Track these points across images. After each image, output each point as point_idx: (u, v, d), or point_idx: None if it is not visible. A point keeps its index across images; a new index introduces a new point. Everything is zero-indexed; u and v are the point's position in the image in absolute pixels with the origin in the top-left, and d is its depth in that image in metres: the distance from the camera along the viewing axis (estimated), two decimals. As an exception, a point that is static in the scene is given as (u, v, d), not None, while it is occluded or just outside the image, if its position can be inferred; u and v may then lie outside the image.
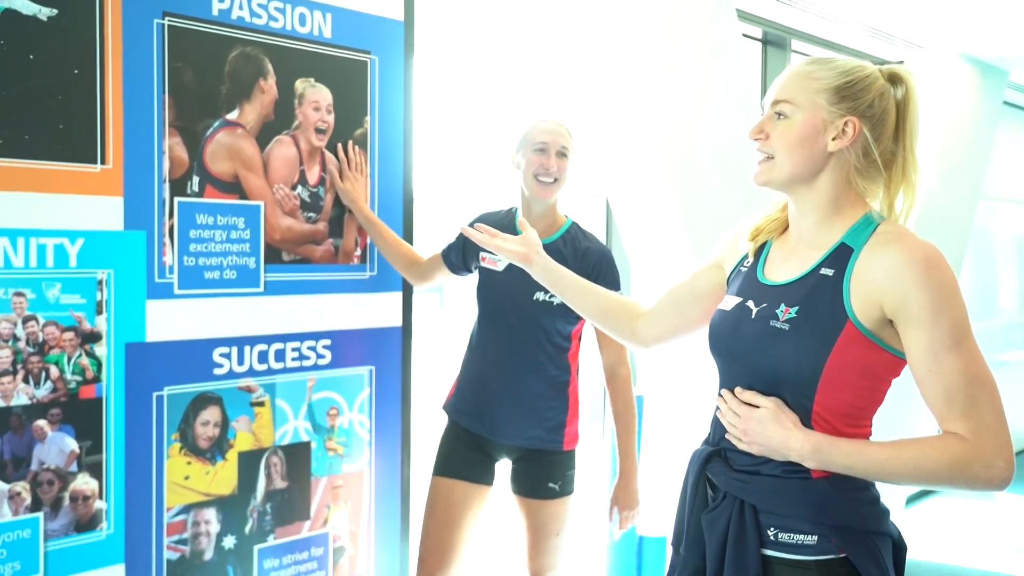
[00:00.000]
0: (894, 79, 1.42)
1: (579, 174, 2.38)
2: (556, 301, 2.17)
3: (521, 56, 3.82)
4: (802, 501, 1.37)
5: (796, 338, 1.36)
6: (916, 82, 1.42)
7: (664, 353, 3.29)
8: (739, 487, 1.42)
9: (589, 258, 2.25)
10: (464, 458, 2.32)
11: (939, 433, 1.33)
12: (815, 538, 1.36)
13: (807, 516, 1.37)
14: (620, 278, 2.29)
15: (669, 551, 1.59)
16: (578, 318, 2.24)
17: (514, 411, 2.25)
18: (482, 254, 2.30)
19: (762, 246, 1.53)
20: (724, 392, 1.47)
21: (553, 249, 2.21)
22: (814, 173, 1.41)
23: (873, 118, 1.39)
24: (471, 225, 2.17)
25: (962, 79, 4.57)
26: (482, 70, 3.85)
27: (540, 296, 2.20)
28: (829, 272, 1.38)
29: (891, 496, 4.23)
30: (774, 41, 4.27)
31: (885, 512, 1.41)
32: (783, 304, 1.39)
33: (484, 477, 2.33)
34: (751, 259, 1.53)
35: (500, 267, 2.26)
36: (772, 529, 1.39)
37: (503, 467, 2.37)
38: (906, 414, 4.12)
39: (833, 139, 1.39)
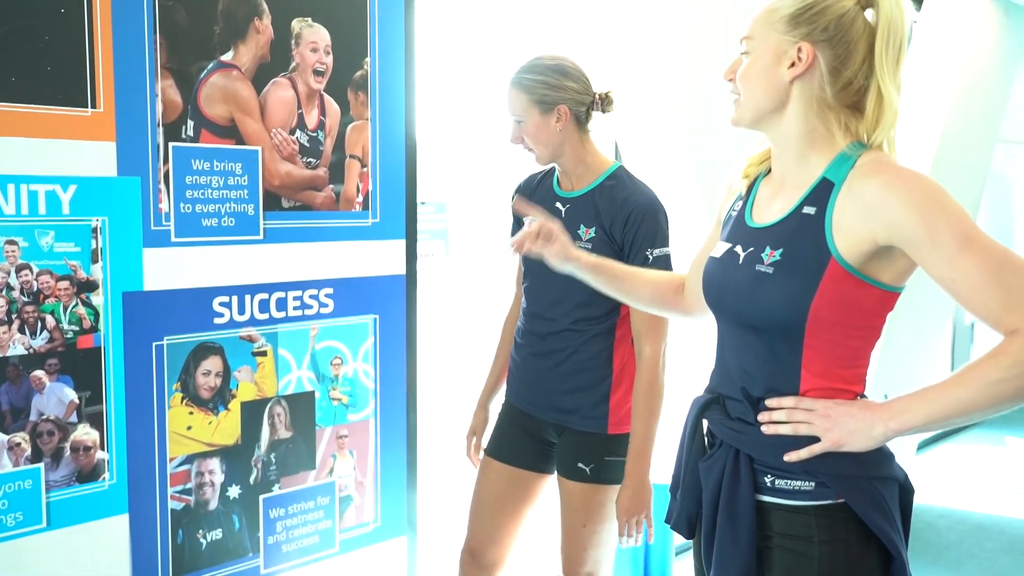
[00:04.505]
0: (868, 2, 1.35)
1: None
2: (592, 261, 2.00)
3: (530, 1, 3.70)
4: (796, 450, 1.34)
5: (781, 280, 1.33)
6: (893, 4, 1.33)
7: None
8: (734, 436, 1.40)
9: (624, 210, 1.97)
10: (514, 441, 2.14)
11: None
12: (812, 484, 1.34)
13: (803, 465, 1.34)
14: (665, 233, 1.99)
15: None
16: None
17: (546, 383, 2.05)
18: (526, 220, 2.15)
19: (751, 188, 1.50)
20: (774, 401, 1.37)
21: (582, 201, 2.02)
22: (778, 106, 1.37)
23: (832, 41, 1.33)
24: (514, 199, 2.12)
25: (984, 17, 4.43)
26: (489, 5, 3.73)
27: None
28: (811, 210, 1.34)
29: (902, 442, 4.21)
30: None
31: (887, 456, 1.37)
32: (768, 247, 1.36)
33: (536, 464, 2.13)
34: (741, 202, 1.50)
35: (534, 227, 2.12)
36: (769, 476, 1.37)
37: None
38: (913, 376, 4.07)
39: (789, 67, 1.35)
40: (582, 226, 2.00)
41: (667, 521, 1.55)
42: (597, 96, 2.04)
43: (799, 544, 1.34)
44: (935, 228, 1.24)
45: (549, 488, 2.17)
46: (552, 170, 2.14)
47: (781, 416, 1.35)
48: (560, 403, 2.04)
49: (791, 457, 1.34)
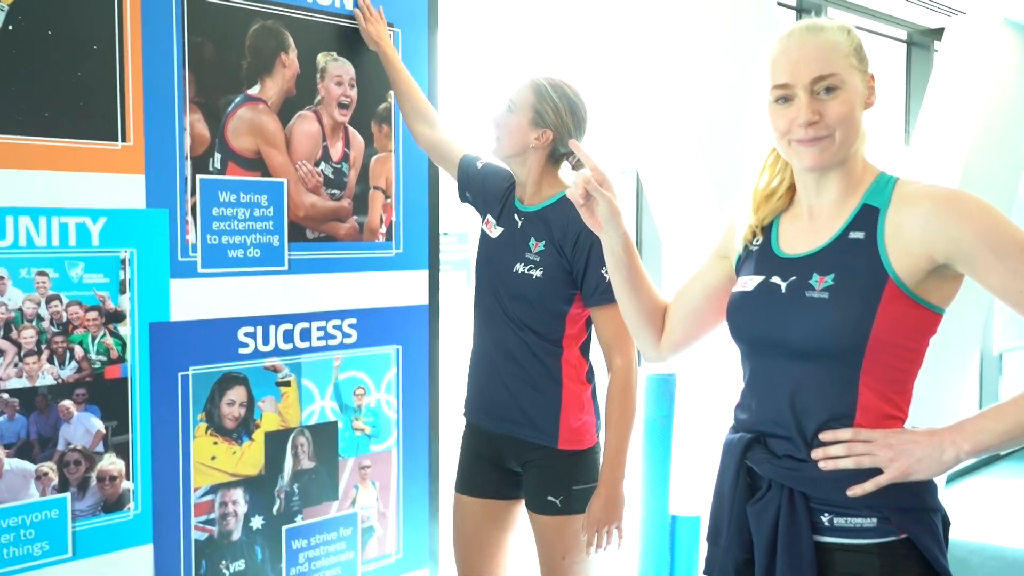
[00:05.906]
0: None
1: (607, 149, 2.20)
2: (536, 275, 1.94)
3: (549, 29, 3.74)
4: (859, 484, 1.30)
5: (838, 304, 1.31)
6: None
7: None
8: (787, 475, 1.34)
9: (574, 227, 1.89)
10: (479, 473, 2.11)
11: None
12: (874, 520, 1.31)
13: (865, 500, 1.30)
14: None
15: (703, 545, 1.51)
16: (575, 297, 1.97)
17: (499, 397, 2.03)
18: (487, 216, 2.10)
19: (769, 224, 1.47)
20: (829, 434, 1.33)
21: (536, 216, 1.99)
22: (857, 140, 1.37)
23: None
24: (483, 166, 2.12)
25: (1005, 45, 4.43)
26: (509, 42, 3.78)
27: (520, 268, 1.97)
28: (859, 235, 1.33)
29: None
30: (809, 9, 4.16)
31: (935, 487, 1.35)
32: (815, 273, 1.34)
33: (505, 492, 2.09)
34: (759, 239, 1.47)
35: (494, 234, 2.05)
36: (827, 515, 1.33)
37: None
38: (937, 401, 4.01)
39: (867, 100, 1.38)
40: (532, 239, 1.98)
41: (707, 572, 1.48)
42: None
43: None
44: (998, 242, 1.25)
45: (525, 512, 2.11)
46: (514, 182, 2.09)
47: (839, 450, 1.30)
48: (513, 416, 2.01)
49: (855, 491, 1.29)
